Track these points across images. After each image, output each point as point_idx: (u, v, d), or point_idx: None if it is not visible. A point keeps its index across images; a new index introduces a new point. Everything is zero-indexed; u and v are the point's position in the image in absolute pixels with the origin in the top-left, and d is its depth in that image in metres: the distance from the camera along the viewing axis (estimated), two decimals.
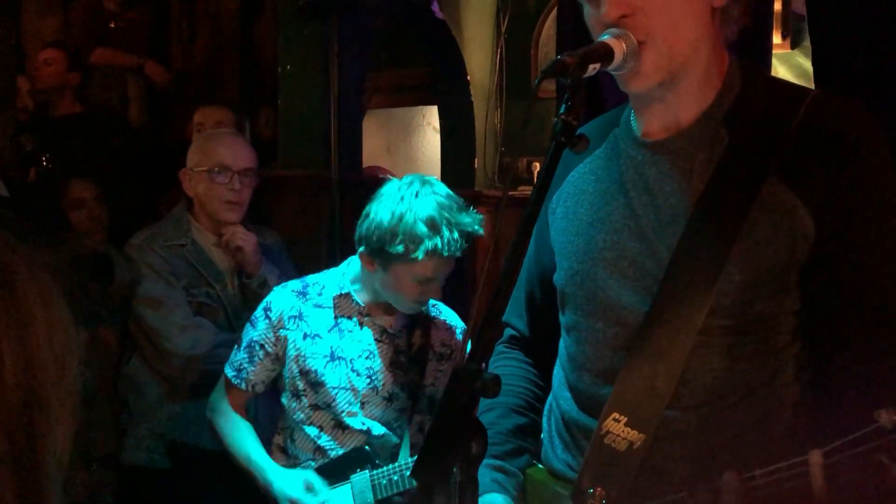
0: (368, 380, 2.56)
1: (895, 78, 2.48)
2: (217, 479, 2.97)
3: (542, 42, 4.68)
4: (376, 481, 2.52)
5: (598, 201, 1.63)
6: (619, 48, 1.43)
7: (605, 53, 1.42)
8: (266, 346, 2.59)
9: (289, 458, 2.64)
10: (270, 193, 4.31)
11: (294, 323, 2.58)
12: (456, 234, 2.38)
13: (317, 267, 2.81)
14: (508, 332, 1.93)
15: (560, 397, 1.69)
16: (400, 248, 2.36)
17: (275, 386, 2.69)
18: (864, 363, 1.44)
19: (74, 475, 0.93)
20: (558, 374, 1.72)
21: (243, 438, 2.65)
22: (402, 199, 2.39)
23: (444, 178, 4.79)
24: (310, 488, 2.52)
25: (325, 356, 2.55)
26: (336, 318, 2.59)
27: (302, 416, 2.58)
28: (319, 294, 2.61)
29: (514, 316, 1.90)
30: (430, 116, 6.09)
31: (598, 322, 1.60)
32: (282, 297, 2.62)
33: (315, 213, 4.29)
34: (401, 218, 2.36)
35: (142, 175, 4.98)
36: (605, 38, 1.44)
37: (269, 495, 2.55)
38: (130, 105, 5.65)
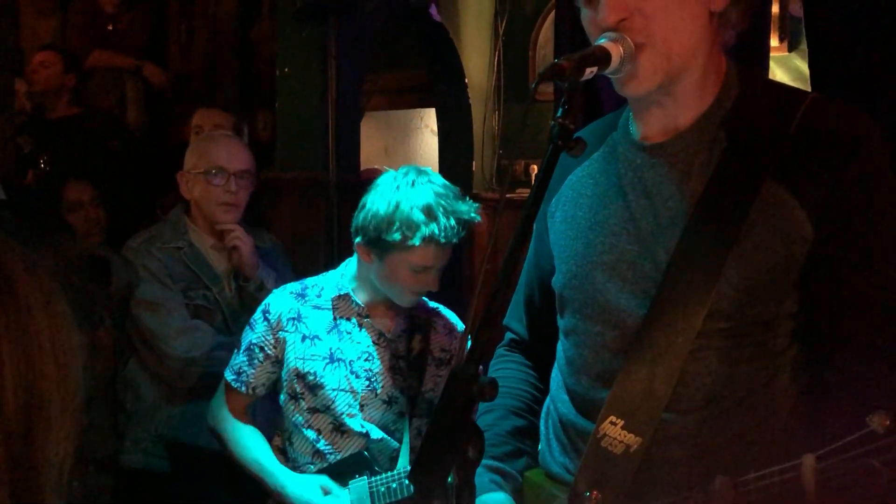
0: (367, 382, 2.56)
1: (892, 81, 2.48)
2: (216, 482, 2.96)
3: (540, 44, 4.70)
4: (374, 488, 2.51)
5: (596, 205, 1.63)
6: (616, 52, 1.42)
7: (602, 57, 1.41)
8: (265, 348, 2.59)
9: (288, 461, 2.63)
10: (268, 196, 4.31)
11: (293, 325, 2.58)
12: (452, 221, 2.39)
13: (315, 269, 2.81)
14: (509, 335, 1.93)
15: (558, 400, 1.69)
16: (397, 236, 2.37)
17: (274, 388, 2.69)
18: (860, 365, 1.44)
19: (71, 478, 0.93)
20: (556, 377, 1.72)
21: (251, 444, 2.64)
22: (398, 188, 2.41)
23: None
24: (327, 492, 2.51)
25: (325, 358, 2.55)
26: (335, 319, 2.58)
27: (300, 418, 2.57)
28: (318, 296, 2.61)
29: (514, 319, 1.90)
30: (429, 119, 6.09)
31: (596, 325, 1.60)
32: (280, 300, 2.62)
33: (313, 215, 4.28)
34: (397, 206, 2.38)
35: (139, 177, 4.98)
36: (602, 41, 1.44)
37: (283, 500, 2.54)
38: (128, 107, 5.65)
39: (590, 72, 1.39)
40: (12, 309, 0.87)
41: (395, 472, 2.52)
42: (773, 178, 1.46)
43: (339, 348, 2.56)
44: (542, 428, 1.75)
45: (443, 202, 2.40)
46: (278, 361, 2.60)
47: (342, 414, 2.53)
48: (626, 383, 1.52)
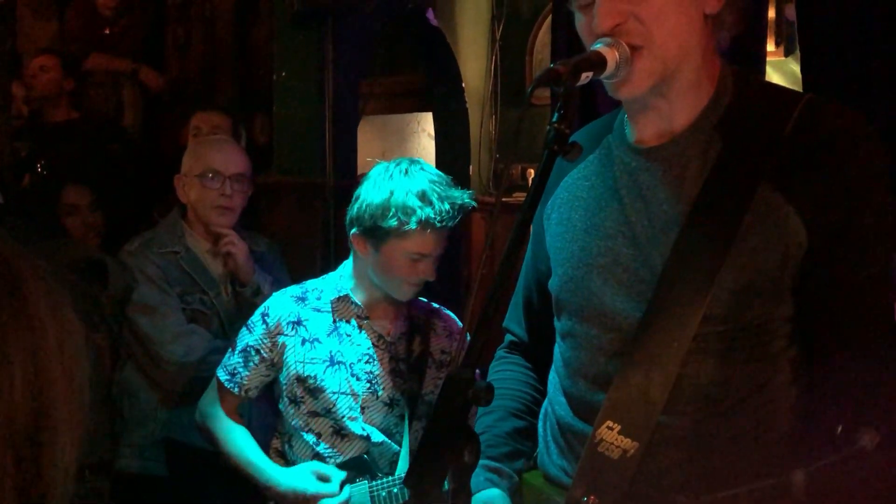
0: (368, 384, 2.55)
1: (884, 84, 2.49)
2: (213, 486, 2.96)
3: (537, 49, 4.70)
4: (375, 492, 2.51)
5: (592, 207, 1.63)
6: (611, 56, 1.43)
7: (598, 62, 1.42)
8: (262, 351, 2.59)
9: (287, 464, 2.62)
10: (265, 200, 4.31)
11: (293, 328, 2.57)
12: (447, 205, 2.41)
13: (311, 273, 2.81)
14: (508, 337, 1.94)
15: (555, 402, 1.69)
16: (393, 222, 2.38)
17: (270, 391, 2.68)
18: (854, 371, 1.45)
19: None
20: (553, 379, 1.72)
21: (240, 443, 2.63)
22: (391, 176, 2.43)
23: None
24: (322, 478, 2.50)
25: (325, 361, 2.54)
26: (335, 322, 2.58)
27: (300, 422, 2.56)
28: (318, 298, 2.61)
29: (513, 322, 1.90)
30: (425, 123, 6.09)
31: (592, 328, 1.60)
32: (280, 303, 2.61)
33: (310, 219, 4.28)
34: (392, 193, 2.40)
35: (137, 181, 4.98)
36: (598, 46, 1.44)
37: (276, 497, 2.53)
38: (125, 110, 5.64)
39: (585, 76, 1.40)
40: (22, 314, 0.87)
41: (396, 475, 2.52)
42: (768, 181, 1.46)
43: (339, 351, 2.55)
44: (540, 430, 1.75)
45: (437, 188, 2.42)
46: (274, 365, 2.59)
47: (343, 417, 2.52)
48: (623, 388, 1.52)
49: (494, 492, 1.70)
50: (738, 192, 1.47)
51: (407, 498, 2.48)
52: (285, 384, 2.58)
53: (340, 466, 2.54)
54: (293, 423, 2.58)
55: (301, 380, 2.54)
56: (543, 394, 1.79)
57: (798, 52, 3.93)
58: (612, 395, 1.53)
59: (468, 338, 1.29)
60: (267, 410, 2.80)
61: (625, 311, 1.55)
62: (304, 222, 4.33)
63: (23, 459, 0.86)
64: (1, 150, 5.00)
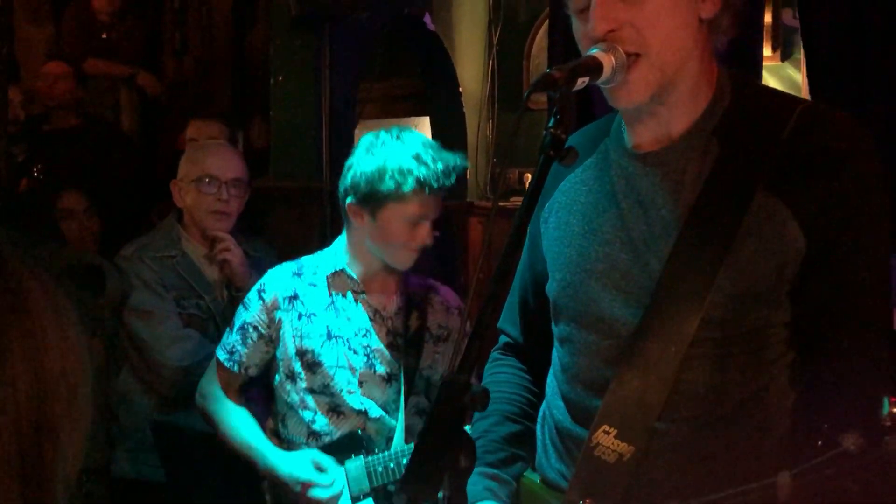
0: (366, 358, 2.55)
1: (888, 87, 2.49)
2: (210, 490, 2.96)
3: (534, 53, 4.70)
4: (372, 468, 2.50)
5: (589, 212, 1.63)
6: (608, 62, 1.42)
7: (594, 67, 1.41)
8: (259, 327, 2.58)
9: (282, 443, 2.61)
10: (262, 204, 4.30)
11: (289, 303, 2.57)
12: (441, 165, 2.43)
13: None
14: (503, 338, 1.93)
15: (553, 406, 1.69)
16: (390, 184, 2.40)
17: (265, 372, 2.67)
18: (850, 377, 1.45)
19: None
20: (552, 383, 1.71)
21: (240, 425, 2.62)
22: (383, 143, 2.46)
23: None
24: (319, 468, 2.49)
25: (322, 335, 2.54)
26: (331, 296, 2.58)
27: (296, 398, 2.55)
28: (314, 273, 2.61)
29: (508, 323, 1.89)
30: (423, 127, 6.09)
31: (590, 334, 1.60)
32: (276, 279, 2.61)
33: (307, 223, 4.28)
34: (386, 158, 2.42)
35: (134, 185, 4.98)
36: (595, 51, 1.44)
37: (274, 480, 2.52)
38: (122, 115, 5.65)
39: (581, 82, 1.40)
40: (26, 324, 0.87)
41: (393, 451, 2.52)
42: (765, 187, 1.46)
43: (336, 325, 2.55)
44: (538, 433, 1.75)
45: (430, 150, 2.45)
46: (272, 341, 2.59)
47: (342, 391, 2.51)
48: (619, 392, 1.52)
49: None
50: (735, 198, 1.47)
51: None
52: (282, 359, 2.57)
53: (335, 443, 2.53)
54: (289, 399, 2.57)
55: (300, 354, 2.53)
56: (539, 396, 1.78)
57: (795, 57, 3.94)
58: (609, 399, 1.53)
59: (464, 342, 1.29)
60: (261, 393, 2.79)
61: (623, 316, 1.55)
62: (301, 226, 4.32)
63: (27, 468, 0.86)
64: None
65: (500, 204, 4.14)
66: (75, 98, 5.17)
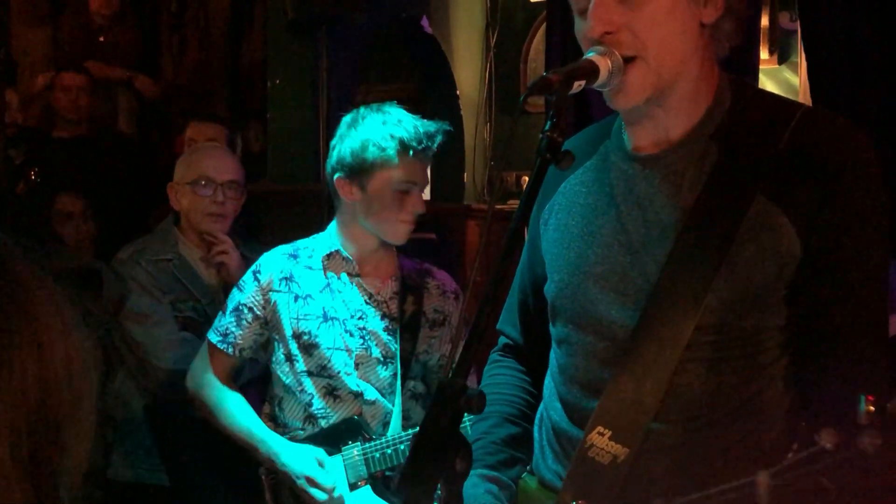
0: (361, 340, 2.54)
1: (887, 92, 2.50)
2: (207, 492, 2.95)
3: (531, 57, 4.71)
4: (369, 454, 2.50)
5: (588, 214, 1.63)
6: (604, 65, 1.42)
7: (591, 70, 1.41)
8: (255, 308, 2.58)
9: (278, 427, 2.60)
10: (259, 207, 4.30)
11: (285, 285, 2.57)
12: (422, 130, 2.47)
13: None
14: (502, 340, 1.93)
15: (551, 408, 1.69)
16: (375, 152, 2.43)
17: (256, 364, 2.67)
18: (843, 383, 1.45)
19: None
20: (549, 384, 1.71)
21: (238, 410, 2.60)
22: (363, 118, 2.50)
23: (434, 192, 4.80)
24: (322, 465, 2.48)
25: (318, 317, 2.54)
26: (326, 277, 2.58)
27: (293, 380, 2.54)
28: (310, 257, 2.61)
29: (508, 324, 1.89)
30: None
31: (588, 336, 1.60)
32: (272, 261, 2.61)
33: (304, 226, 4.27)
34: (369, 129, 2.46)
35: (131, 189, 4.97)
36: (591, 55, 1.44)
37: (273, 467, 2.51)
38: (120, 118, 5.64)
39: (578, 85, 1.39)
40: (32, 325, 0.88)
41: (389, 437, 2.51)
42: (763, 192, 1.46)
43: (332, 307, 2.55)
44: (535, 435, 1.74)
45: (410, 116, 2.49)
46: (267, 323, 2.58)
47: (339, 373, 2.51)
48: (615, 394, 1.52)
49: None
50: (733, 202, 1.47)
51: (401, 459, 2.47)
52: (279, 342, 2.57)
53: (332, 428, 2.52)
54: (286, 381, 2.56)
55: (297, 335, 2.53)
56: (538, 397, 1.78)
57: (792, 61, 3.95)
58: (604, 400, 1.53)
59: (461, 346, 1.29)
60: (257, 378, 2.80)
61: (620, 319, 1.55)
62: (299, 229, 4.30)
63: (35, 469, 0.86)
64: None
65: (498, 207, 4.15)
66: (90, 109, 5.15)
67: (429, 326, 2.63)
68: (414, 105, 2.59)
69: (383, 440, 2.50)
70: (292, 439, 2.56)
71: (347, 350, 2.53)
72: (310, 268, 2.59)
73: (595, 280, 1.58)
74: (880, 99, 2.51)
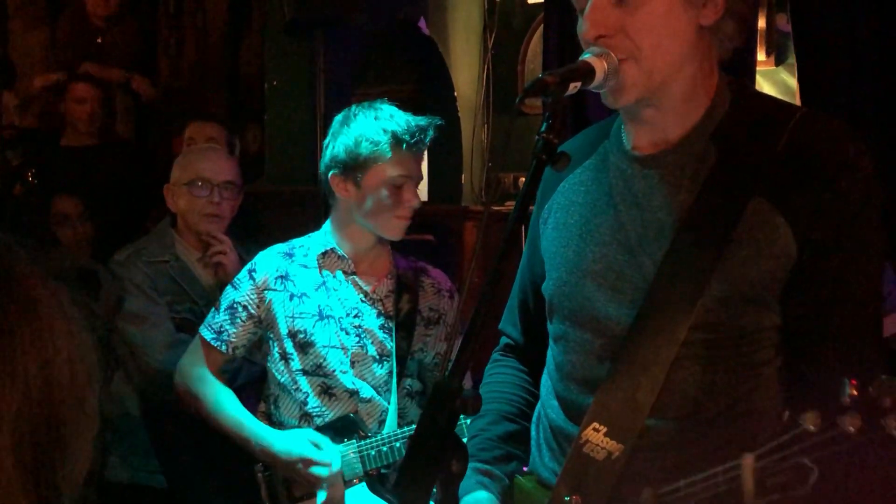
0: (357, 338, 2.55)
1: (879, 90, 2.50)
2: (204, 494, 2.95)
3: (529, 58, 4.71)
4: (364, 452, 2.50)
5: (587, 213, 1.64)
6: (600, 67, 1.43)
7: (586, 72, 1.42)
8: (249, 307, 2.58)
9: (273, 426, 2.60)
10: (257, 209, 4.30)
11: (280, 283, 2.57)
12: (414, 123, 2.48)
13: None
14: (504, 340, 1.94)
15: (548, 406, 1.70)
16: (369, 147, 2.45)
17: (254, 355, 2.67)
18: (832, 382, 1.45)
19: None
20: (546, 382, 1.73)
21: (229, 404, 2.60)
22: (355, 115, 2.51)
23: (431, 193, 4.80)
24: (317, 446, 2.48)
25: (314, 315, 2.54)
26: (322, 275, 2.58)
27: (288, 379, 2.55)
28: (305, 255, 2.61)
29: (509, 324, 1.91)
30: None
31: (585, 333, 1.61)
32: (267, 259, 2.62)
33: (302, 227, 4.27)
34: (361, 125, 2.48)
35: (128, 190, 4.96)
36: (587, 56, 1.45)
37: (268, 459, 2.51)
38: (117, 120, 5.63)
39: (574, 87, 1.40)
40: (37, 327, 0.88)
41: (385, 435, 2.52)
42: (760, 193, 1.47)
43: (327, 305, 2.56)
44: (532, 433, 1.76)
45: (402, 113, 2.51)
46: (261, 322, 2.59)
47: (334, 371, 2.52)
48: (611, 391, 1.53)
49: (482, 494, 1.70)
50: (730, 203, 1.48)
51: (397, 457, 2.49)
52: (275, 341, 2.57)
53: (328, 425, 2.52)
54: (282, 379, 2.56)
55: (292, 334, 2.54)
56: (537, 397, 1.79)
57: (789, 62, 3.95)
58: (600, 397, 1.54)
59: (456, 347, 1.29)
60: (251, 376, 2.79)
61: (617, 316, 1.56)
62: (296, 230, 4.31)
63: (39, 470, 0.86)
64: None
65: (495, 208, 4.16)
66: (102, 119, 5.13)
67: (424, 325, 2.64)
68: (412, 106, 2.59)
69: (379, 438, 2.51)
70: None
71: (343, 348, 2.53)
72: (305, 266, 2.59)
73: (593, 278, 1.59)
74: (874, 101, 2.51)
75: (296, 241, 2.67)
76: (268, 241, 3.53)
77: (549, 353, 1.72)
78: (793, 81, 3.93)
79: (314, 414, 2.54)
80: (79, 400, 0.91)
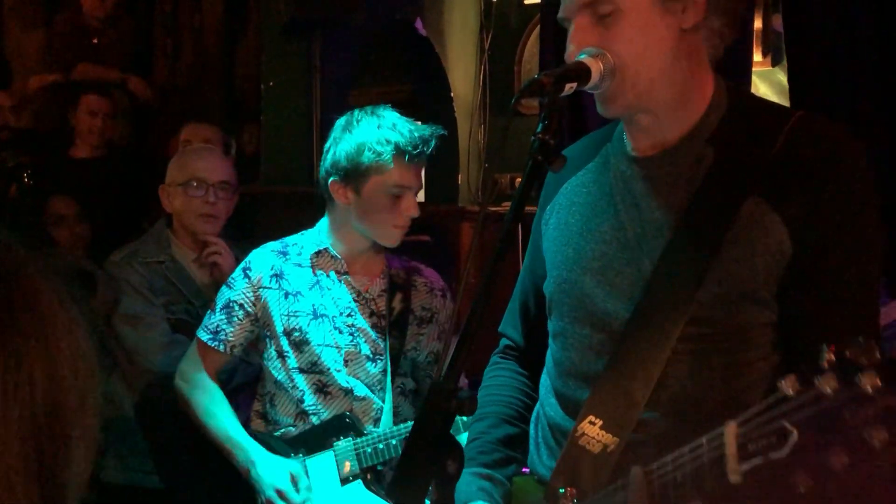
0: (350, 337, 2.56)
1: (870, 92, 2.50)
2: (200, 494, 2.95)
3: (526, 59, 4.70)
4: (360, 449, 2.51)
5: (588, 213, 1.67)
6: (595, 67, 1.45)
7: (582, 73, 1.45)
8: (245, 305, 2.59)
9: (269, 424, 2.62)
10: (253, 209, 4.31)
11: (275, 282, 2.58)
12: (417, 134, 2.48)
13: None
14: (504, 342, 1.96)
15: (546, 404, 1.71)
16: (371, 156, 2.44)
17: (251, 356, 2.67)
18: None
19: None
20: (545, 381, 1.74)
21: (220, 413, 2.62)
22: (358, 122, 2.51)
23: (428, 194, 4.80)
24: (295, 482, 2.49)
25: (308, 314, 2.55)
26: (315, 275, 2.59)
27: (285, 377, 2.55)
28: (299, 254, 2.62)
29: (509, 326, 1.93)
30: None
31: (584, 328, 1.63)
32: (262, 257, 2.62)
33: (298, 228, 4.28)
34: (364, 133, 2.47)
35: (124, 191, 4.96)
36: (582, 57, 1.47)
37: (246, 477, 2.52)
38: (114, 120, 5.62)
39: (570, 87, 1.41)
40: (40, 326, 0.88)
41: (381, 432, 2.53)
42: (756, 193, 1.49)
43: (321, 304, 2.56)
44: (531, 432, 1.77)
45: (405, 121, 2.51)
46: (257, 320, 2.59)
47: (329, 369, 2.52)
48: (607, 385, 1.55)
49: None
50: (727, 202, 1.50)
51: (393, 454, 2.50)
52: (270, 339, 2.58)
53: (323, 424, 2.53)
54: (278, 377, 2.57)
55: (287, 332, 2.54)
56: (537, 399, 1.81)
57: (786, 62, 3.95)
58: (597, 391, 1.56)
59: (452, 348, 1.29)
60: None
61: (615, 311, 1.58)
62: (292, 231, 4.31)
63: (43, 470, 0.86)
64: None
65: (492, 209, 4.15)
66: (112, 132, 5.11)
67: (417, 324, 2.65)
68: (408, 107, 2.59)
69: (374, 435, 2.52)
70: (284, 436, 2.58)
71: (337, 347, 2.54)
72: (299, 265, 2.60)
73: (592, 275, 1.62)
74: (873, 101, 2.51)
75: (289, 239, 2.67)
76: (264, 242, 3.54)
77: (549, 351, 1.74)
78: None
79: (310, 412, 2.54)
80: (82, 398, 0.91)
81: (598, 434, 1.53)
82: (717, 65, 1.61)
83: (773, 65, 4.04)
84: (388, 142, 2.44)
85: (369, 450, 2.51)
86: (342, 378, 2.53)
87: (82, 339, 0.92)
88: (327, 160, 2.53)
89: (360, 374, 2.56)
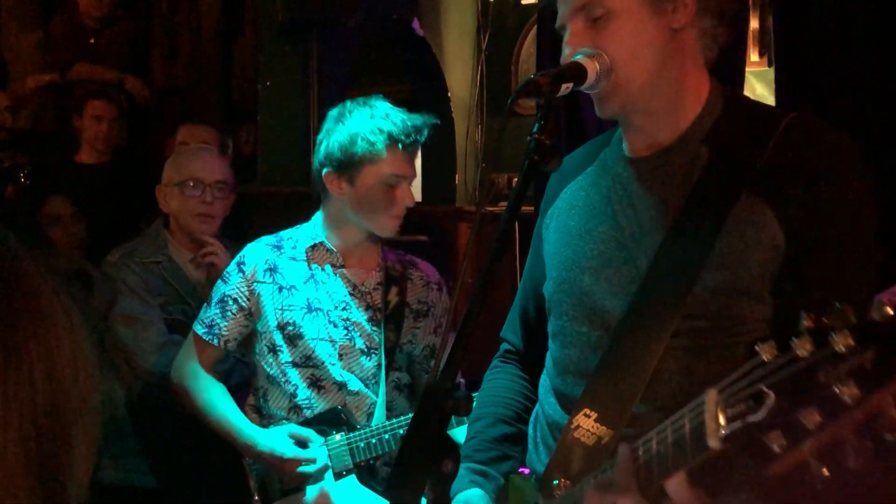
0: (345, 331, 2.56)
1: (860, 93, 2.51)
2: (195, 494, 2.95)
3: (523, 59, 4.71)
4: (353, 444, 2.51)
5: (587, 215, 1.69)
6: (592, 67, 1.47)
7: (578, 73, 1.46)
8: (239, 300, 2.58)
9: (262, 419, 2.62)
10: (250, 210, 4.30)
11: (269, 276, 2.58)
12: (410, 123, 2.48)
13: None
14: (504, 346, 1.98)
15: (545, 403, 1.73)
16: (364, 146, 2.44)
17: (244, 349, 2.68)
18: None
19: None
20: (544, 382, 1.76)
21: (217, 401, 2.62)
22: (350, 112, 2.50)
23: (425, 194, 4.81)
24: (301, 442, 2.50)
25: (303, 307, 2.55)
26: (310, 268, 2.59)
27: (278, 371, 2.55)
28: (294, 248, 2.62)
29: (510, 331, 1.95)
30: None
31: (583, 326, 1.64)
32: (256, 251, 2.62)
33: None
34: (356, 123, 2.47)
35: (121, 192, 4.95)
36: (579, 57, 1.48)
37: (252, 456, 2.53)
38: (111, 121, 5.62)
39: (566, 87, 1.42)
40: (41, 326, 0.88)
41: (374, 427, 2.52)
42: (750, 191, 1.50)
43: (316, 298, 2.56)
44: (530, 432, 1.78)
45: (397, 110, 2.50)
46: (252, 315, 2.59)
47: (323, 363, 2.52)
48: (602, 378, 1.57)
49: (475, 492, 1.72)
50: (721, 200, 1.51)
51: (386, 448, 2.50)
52: (263, 332, 2.57)
53: (316, 417, 2.53)
54: (271, 372, 2.57)
55: (281, 326, 2.54)
56: (536, 401, 1.82)
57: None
58: (592, 384, 1.58)
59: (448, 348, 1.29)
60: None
61: (613, 309, 1.59)
62: None
63: (45, 470, 0.87)
64: None
65: (489, 209, 4.16)
66: (118, 137, 5.09)
67: (412, 317, 2.65)
68: (405, 107, 2.59)
69: (368, 430, 2.52)
70: None
71: (331, 341, 2.54)
72: (294, 259, 2.60)
73: (590, 273, 1.64)
74: (872, 101, 2.52)
75: (284, 234, 2.67)
76: None
77: (548, 352, 1.75)
78: None
79: (303, 406, 2.54)
80: (83, 396, 0.91)
81: (592, 426, 1.55)
82: (711, 65, 1.62)
83: (770, 65, 4.04)
84: (380, 131, 2.44)
85: (362, 444, 2.51)
86: (336, 372, 2.53)
87: (82, 339, 0.93)
88: (321, 152, 2.53)
89: (354, 368, 2.56)
